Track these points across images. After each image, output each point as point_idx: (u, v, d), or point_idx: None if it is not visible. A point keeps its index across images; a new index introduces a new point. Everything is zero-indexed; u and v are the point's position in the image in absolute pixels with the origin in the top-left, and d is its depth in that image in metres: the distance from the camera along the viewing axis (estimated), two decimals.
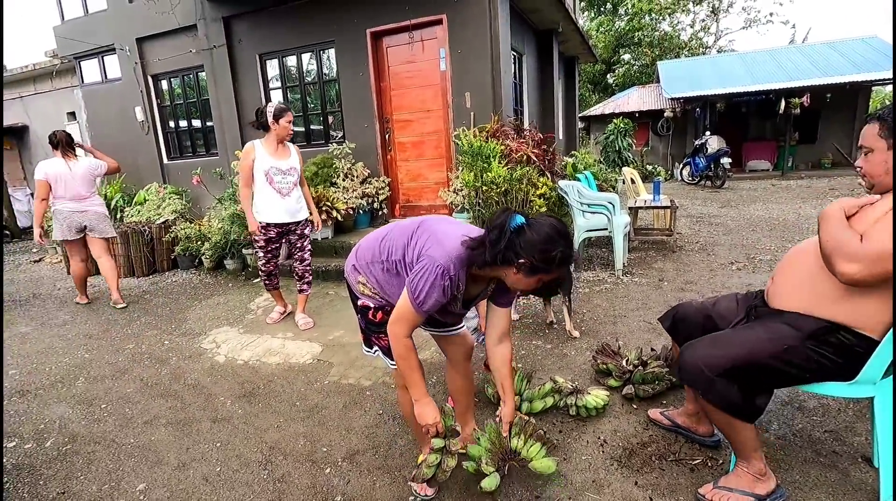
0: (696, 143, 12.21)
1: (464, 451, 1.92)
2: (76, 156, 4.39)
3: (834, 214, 1.51)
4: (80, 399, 2.81)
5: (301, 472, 2.04)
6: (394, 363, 1.74)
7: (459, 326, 1.94)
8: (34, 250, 7.94)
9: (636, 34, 22.47)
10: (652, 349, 2.70)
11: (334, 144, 6.11)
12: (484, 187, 4.61)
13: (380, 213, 5.92)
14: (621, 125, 13.51)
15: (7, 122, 10.07)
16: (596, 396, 2.26)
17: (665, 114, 14.48)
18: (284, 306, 3.91)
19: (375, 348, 1.83)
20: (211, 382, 2.92)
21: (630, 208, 5.54)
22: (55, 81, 9.35)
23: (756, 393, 1.57)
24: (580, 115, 15.30)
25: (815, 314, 1.54)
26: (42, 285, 5.68)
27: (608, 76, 24.24)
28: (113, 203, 7.03)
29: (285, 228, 3.60)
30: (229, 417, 2.51)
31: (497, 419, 1.75)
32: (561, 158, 6.74)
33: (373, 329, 1.77)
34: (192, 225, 5.70)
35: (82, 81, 8.15)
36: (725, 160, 10.77)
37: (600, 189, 6.37)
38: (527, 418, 1.77)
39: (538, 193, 4.58)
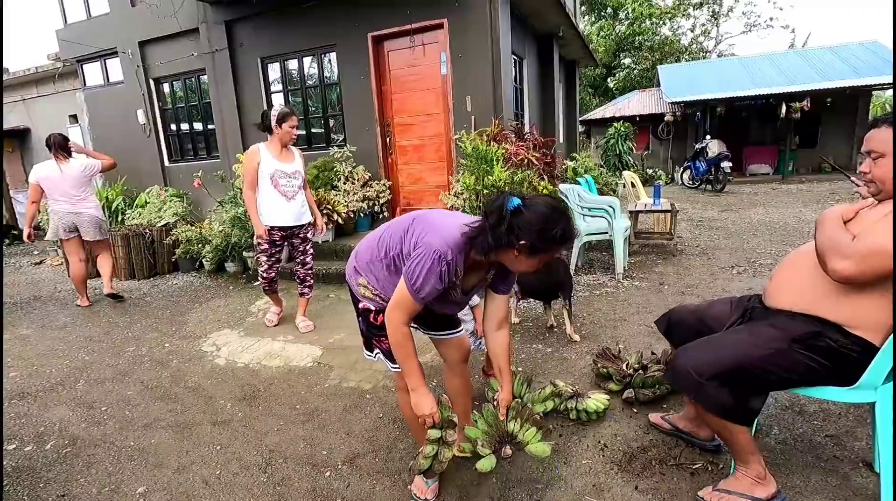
0: (697, 147, 12.22)
1: (465, 454, 1.91)
2: (68, 158, 4.45)
3: (831, 217, 1.52)
4: (81, 402, 2.81)
5: (301, 476, 2.03)
6: (395, 366, 1.74)
7: (458, 330, 1.94)
8: (35, 253, 7.95)
9: (637, 38, 22.51)
10: (652, 353, 2.70)
11: (335, 147, 6.13)
12: (485, 191, 4.62)
13: (380, 216, 5.93)
14: (622, 129, 13.54)
15: (9, 125, 10.09)
16: (596, 400, 2.26)
17: (665, 118, 14.50)
18: (280, 306, 3.92)
19: (376, 351, 1.83)
20: (211, 385, 2.93)
21: (630, 212, 5.54)
22: (57, 84, 9.37)
23: (749, 396, 1.58)
24: (581, 118, 15.33)
25: (811, 312, 1.54)
26: (43, 288, 5.68)
27: (609, 80, 24.27)
28: (114, 206, 7.04)
29: (289, 231, 3.58)
30: (229, 420, 2.51)
31: (495, 402, 1.75)
32: (562, 162, 6.76)
33: (374, 332, 1.78)
34: (193, 228, 5.71)
35: (84, 84, 8.18)
36: (726, 164, 10.78)
37: (601, 193, 6.38)
38: (523, 402, 1.76)
39: None
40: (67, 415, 2.67)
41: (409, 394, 1.67)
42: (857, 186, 1.59)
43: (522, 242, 1.41)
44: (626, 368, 2.51)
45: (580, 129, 14.21)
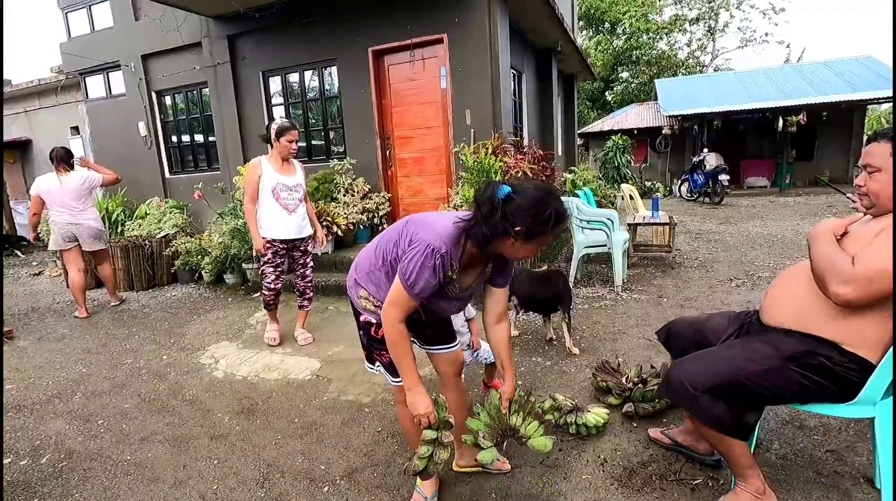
0: (694, 160, 12.32)
1: (468, 468, 1.90)
2: (69, 171, 4.57)
3: (822, 234, 1.52)
4: (77, 415, 2.79)
5: (299, 490, 2.02)
6: (396, 379, 1.73)
7: (453, 345, 1.94)
8: (34, 264, 7.94)
9: (634, 53, 22.78)
10: (652, 367, 2.69)
11: (335, 159, 6.17)
12: None
13: (380, 228, 5.95)
14: (620, 142, 13.65)
15: (11, 136, 10.15)
16: (596, 414, 2.25)
17: (663, 131, 14.62)
18: (278, 323, 3.79)
19: (378, 364, 1.83)
20: (209, 398, 2.91)
21: (629, 225, 5.56)
22: (60, 96, 9.45)
23: (743, 410, 1.58)
24: (579, 131, 15.44)
25: (806, 329, 1.55)
26: (41, 299, 5.67)
27: (607, 93, 24.51)
28: (114, 217, 7.06)
29: (291, 244, 3.57)
30: (227, 433, 2.50)
31: (498, 396, 1.75)
32: (560, 175, 6.81)
33: (375, 345, 1.77)
34: (193, 239, 5.72)
35: (87, 97, 8.24)
36: (723, 177, 10.85)
37: (599, 205, 6.41)
38: (526, 396, 1.76)
39: None
40: (64, 428, 2.65)
41: (408, 408, 1.66)
42: (853, 202, 1.60)
43: (518, 228, 1.41)
44: (626, 381, 2.50)
45: (579, 142, 14.31)
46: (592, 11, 23.32)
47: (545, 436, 1.68)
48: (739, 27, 25.11)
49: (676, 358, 1.82)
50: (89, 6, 7.70)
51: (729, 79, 15.86)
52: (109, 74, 7.87)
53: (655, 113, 15.97)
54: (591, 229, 4.61)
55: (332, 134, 6.50)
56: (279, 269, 3.57)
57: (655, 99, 16.17)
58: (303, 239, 3.62)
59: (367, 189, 5.91)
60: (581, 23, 23.65)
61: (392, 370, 1.71)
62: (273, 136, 3.40)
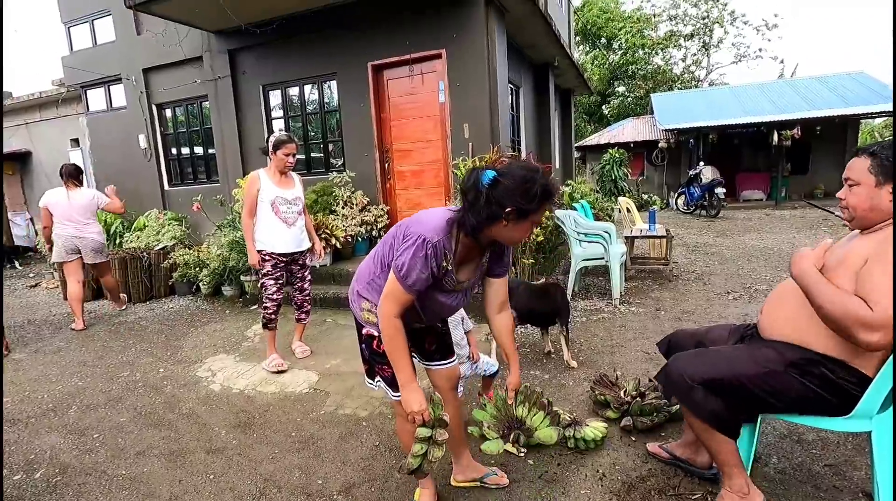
0: (691, 173, 12.42)
1: (466, 483, 1.89)
2: (77, 186, 4.78)
3: (812, 274, 1.49)
4: (72, 429, 2.77)
5: None
6: (396, 394, 1.72)
7: (451, 360, 1.94)
8: (31, 275, 7.92)
9: (630, 67, 23.09)
10: (650, 380, 2.69)
11: (334, 172, 6.20)
12: None
13: (378, 241, 5.95)
14: (616, 155, 13.76)
15: (11, 148, 10.19)
16: (594, 428, 2.24)
17: (659, 144, 14.75)
18: (276, 351, 3.51)
19: (378, 378, 1.83)
20: (206, 411, 2.89)
21: (626, 238, 5.59)
22: (60, 109, 9.52)
23: (737, 409, 1.60)
24: (576, 145, 15.58)
25: (808, 346, 1.56)
26: (37, 311, 5.64)
27: (603, 107, 24.79)
28: (112, 229, 7.06)
29: (290, 257, 3.52)
30: (223, 447, 2.48)
31: (504, 388, 1.75)
32: (557, 188, 6.84)
33: (377, 359, 1.77)
34: (191, 251, 5.72)
35: (88, 109, 8.30)
36: (719, 190, 10.94)
37: (597, 218, 6.44)
38: (532, 387, 1.76)
39: None
40: (59, 442, 2.62)
41: (407, 421, 1.66)
42: (844, 218, 1.63)
43: (508, 209, 1.43)
44: (624, 395, 2.50)
45: (576, 155, 14.42)
46: (589, 27, 23.69)
47: (551, 427, 1.68)
48: (733, 43, 25.56)
49: None
50: (92, 21, 7.79)
51: (724, 93, 16.06)
52: (110, 87, 7.94)
53: (652, 127, 16.13)
54: (588, 241, 4.63)
55: (331, 147, 6.55)
56: (280, 282, 3.52)
57: (651, 113, 16.34)
58: (302, 252, 3.59)
59: (365, 202, 5.93)
60: (578, 38, 24.01)
61: (393, 384, 1.70)
62: (270, 149, 3.38)
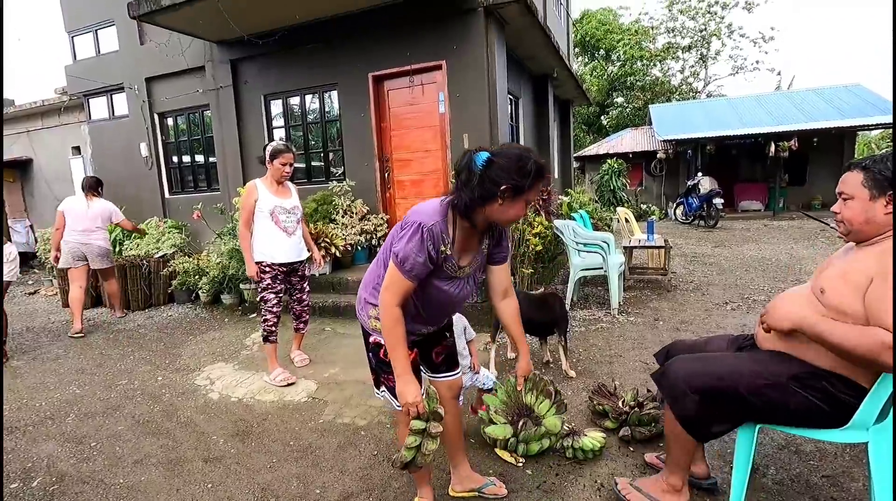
0: (689, 183, 12.49)
1: (464, 493, 1.89)
2: (97, 197, 5.13)
3: (814, 321, 1.49)
4: (70, 437, 2.76)
5: None
6: (400, 404, 1.73)
7: (456, 372, 1.96)
8: (29, 283, 7.92)
9: (628, 79, 23.30)
10: (648, 390, 2.70)
11: (334, 181, 6.24)
12: None
13: (377, 249, 5.97)
14: (615, 166, 13.84)
15: (12, 155, 10.23)
16: (592, 438, 2.25)
17: (658, 155, 14.85)
18: (277, 364, 3.45)
19: (383, 388, 1.82)
20: (204, 420, 2.89)
21: (625, 248, 5.61)
22: (62, 117, 9.56)
23: (722, 419, 1.63)
24: (575, 155, 15.66)
25: (805, 360, 1.57)
26: (36, 318, 5.64)
27: (602, 118, 24.96)
28: (112, 236, 7.07)
29: (290, 267, 3.47)
30: (222, 456, 2.47)
31: (513, 374, 1.77)
32: (556, 198, 6.89)
33: (382, 369, 1.77)
34: (191, 259, 5.73)
35: (90, 118, 8.35)
36: (718, 201, 10.99)
37: (596, 228, 6.47)
38: (539, 374, 1.78)
39: (534, 232, 4.66)
40: (56, 451, 2.62)
41: (406, 430, 1.66)
42: (838, 230, 1.65)
43: (504, 187, 1.47)
44: (622, 405, 2.50)
45: (575, 165, 14.50)
46: (588, 39, 23.93)
47: (556, 416, 1.71)
48: (731, 55, 25.83)
49: None
50: (95, 30, 7.86)
51: (721, 105, 16.19)
52: (113, 95, 7.99)
53: (650, 137, 16.24)
54: (587, 251, 4.65)
55: (331, 156, 6.59)
56: (280, 295, 3.45)
57: (650, 124, 16.47)
58: (301, 262, 3.55)
59: (365, 211, 5.96)
60: (577, 50, 24.25)
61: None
62: (267, 158, 3.34)
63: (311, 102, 6.57)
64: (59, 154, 9.61)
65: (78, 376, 3.72)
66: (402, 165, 6.09)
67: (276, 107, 6.75)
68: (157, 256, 5.96)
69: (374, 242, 5.87)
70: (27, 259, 9.57)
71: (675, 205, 13.15)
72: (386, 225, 5.99)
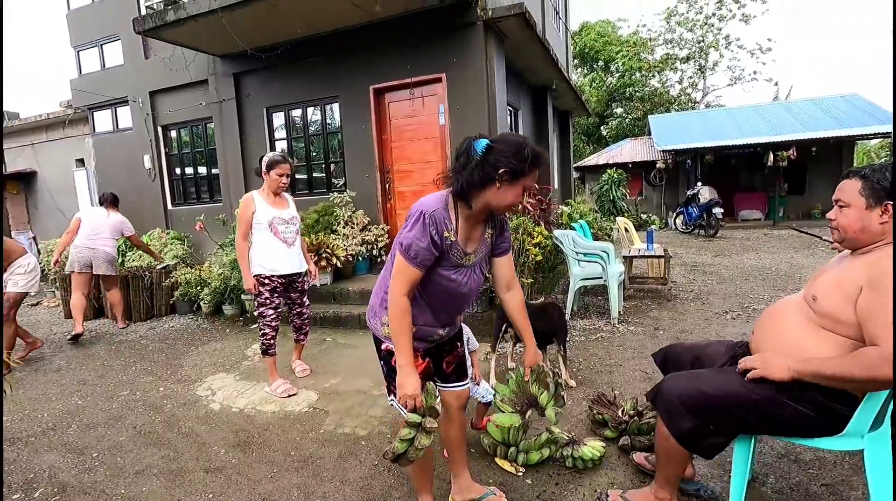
0: (689, 193, 12.54)
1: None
2: (114, 210, 5.43)
3: (806, 365, 1.51)
4: (72, 448, 2.77)
5: None
6: (398, 395, 1.72)
7: (465, 382, 1.97)
8: (32, 293, 7.93)
9: (627, 90, 23.51)
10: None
11: (336, 192, 6.29)
12: None
13: (378, 260, 6.01)
14: (615, 176, 13.91)
15: (16, 168, 10.33)
16: (592, 447, 2.25)
17: (657, 165, 14.93)
18: (277, 375, 3.45)
19: (393, 396, 1.82)
20: (205, 430, 2.90)
21: (624, 257, 5.63)
22: (67, 130, 9.67)
23: (714, 435, 1.64)
24: (575, 165, 15.74)
25: None
26: (38, 329, 5.65)
27: (602, 128, 25.13)
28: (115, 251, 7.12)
29: (289, 279, 3.43)
30: (223, 467, 2.48)
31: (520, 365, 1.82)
32: (556, 208, 6.93)
33: (393, 377, 1.75)
34: (193, 270, 5.76)
35: (94, 130, 8.45)
36: (717, 210, 11.03)
37: (596, 238, 6.50)
38: (543, 365, 1.82)
39: (534, 242, 4.69)
40: (58, 461, 2.63)
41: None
42: (832, 242, 1.67)
43: (502, 170, 1.53)
44: (622, 414, 2.51)
45: (575, 175, 14.58)
46: (587, 51, 24.19)
47: (552, 408, 1.75)
48: (729, 66, 25.99)
49: None
50: (101, 45, 7.99)
51: (720, 115, 16.31)
52: (117, 108, 8.11)
53: (649, 147, 16.33)
54: (587, 261, 4.67)
55: (332, 167, 6.65)
56: (279, 309, 3.40)
57: (649, 134, 16.57)
58: (300, 274, 3.50)
59: (366, 221, 6.00)
60: (576, 61, 24.49)
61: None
62: (264, 169, 3.30)
63: (313, 115, 6.65)
64: (62, 166, 9.70)
65: (80, 386, 3.74)
66: (403, 176, 6.14)
67: (279, 119, 6.83)
68: (159, 267, 6.00)
69: (374, 252, 5.91)
70: None
71: (675, 214, 13.20)
72: (387, 235, 6.04)
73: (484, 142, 1.56)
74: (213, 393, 3.45)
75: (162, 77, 7.33)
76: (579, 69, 25.30)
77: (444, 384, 1.94)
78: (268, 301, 3.33)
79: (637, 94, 23.38)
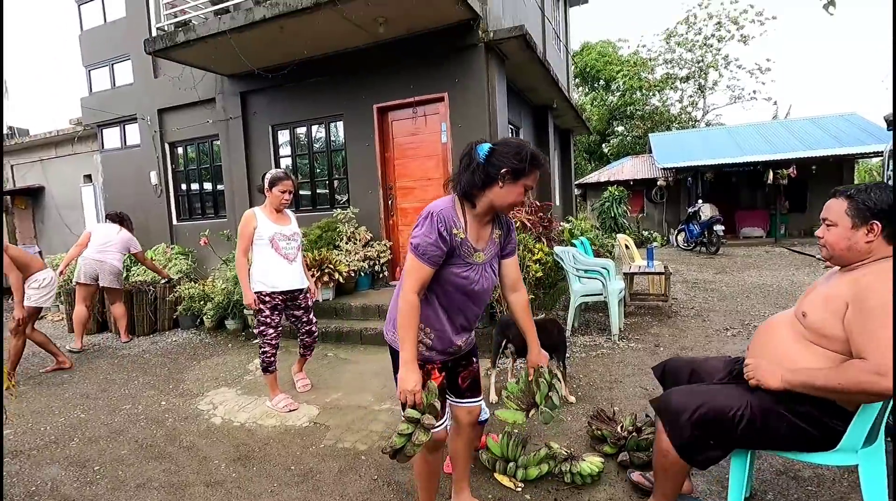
0: (690, 210, 12.60)
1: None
2: (125, 228, 5.56)
3: (797, 375, 1.54)
4: (74, 461, 2.79)
5: None
6: (398, 390, 1.73)
7: (480, 398, 2.00)
8: (47, 308, 7.97)
9: (628, 108, 23.75)
10: (647, 416, 2.71)
11: (339, 208, 6.36)
12: None
13: (380, 276, 6.06)
14: (616, 193, 13.99)
15: (25, 183, 10.49)
16: (591, 463, 2.26)
17: (658, 183, 15.02)
18: (278, 390, 3.46)
19: None
20: (206, 444, 2.91)
21: (625, 274, 5.66)
22: (76, 146, 9.84)
23: (712, 447, 1.66)
24: (577, 182, 15.87)
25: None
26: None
27: (603, 146, 25.32)
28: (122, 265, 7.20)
29: (291, 295, 3.43)
30: (223, 480, 2.49)
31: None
32: (558, 224, 6.99)
33: None
34: (196, 285, 5.81)
35: (102, 147, 8.60)
36: (718, 227, 11.07)
37: (597, 255, 6.54)
38: (543, 367, 1.89)
39: (535, 258, 4.73)
40: (60, 475, 2.64)
41: (430, 453, 1.76)
42: (824, 260, 1.72)
43: (504, 170, 1.62)
44: (621, 430, 2.52)
45: (576, 192, 14.68)
46: (588, 70, 24.52)
47: (546, 410, 1.81)
48: (728, 85, 26.26)
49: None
50: (112, 65, 8.19)
51: (720, 133, 16.46)
52: (126, 126, 8.26)
53: (650, 165, 16.46)
54: (587, 277, 4.70)
55: (336, 184, 6.75)
56: (280, 327, 3.40)
57: (650, 152, 16.70)
58: (301, 290, 3.49)
59: (368, 237, 6.07)
60: (577, 80, 24.82)
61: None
62: (266, 186, 3.33)
63: (318, 132, 6.77)
64: (70, 182, 9.84)
65: (82, 400, 3.76)
66: (406, 193, 6.22)
67: (284, 136, 6.95)
68: (162, 281, 6.06)
69: (377, 268, 5.95)
70: None
71: (676, 232, 13.24)
72: (389, 251, 6.09)
73: (486, 145, 1.66)
74: (215, 407, 3.47)
75: (171, 96, 7.49)
76: (580, 88, 25.62)
77: (457, 400, 1.95)
78: (269, 319, 3.32)
79: (638, 112, 23.61)
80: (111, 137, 8.50)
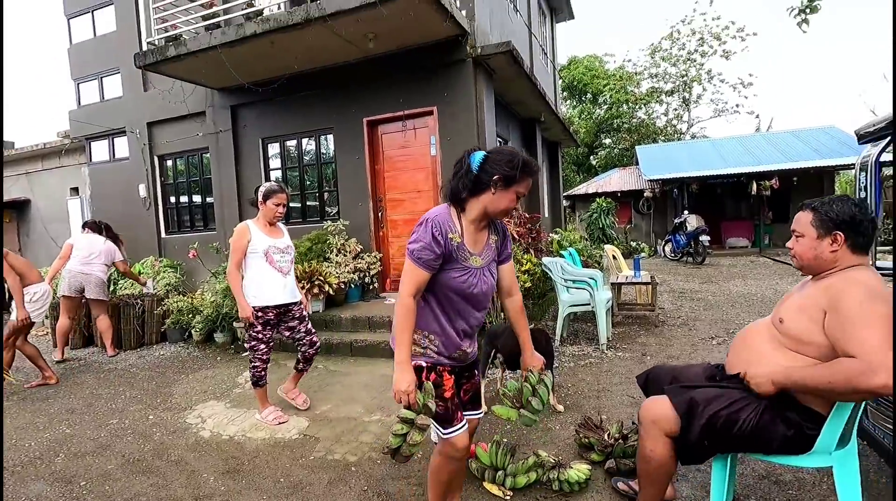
0: (676, 221, 12.80)
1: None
2: (107, 238, 5.56)
3: (789, 374, 1.59)
4: (59, 477, 2.75)
5: None
6: (446, 431, 1.76)
7: (481, 411, 2.04)
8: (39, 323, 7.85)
9: (615, 121, 24.16)
10: (633, 423, 2.75)
11: (329, 220, 6.39)
12: None
13: (371, 287, 6.07)
14: (604, 204, 14.18)
15: (10, 196, 10.37)
16: (578, 470, 2.30)
17: (645, 194, 15.25)
18: (268, 403, 3.44)
19: None
20: (195, 458, 2.89)
21: (612, 284, 5.74)
22: (63, 159, 9.78)
23: (709, 449, 1.70)
24: (565, 194, 16.06)
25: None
26: (26, 359, 5.59)
27: (591, 158, 25.67)
28: (108, 276, 7.13)
29: (285, 308, 3.39)
30: (212, 494, 2.48)
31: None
32: (546, 236, 7.07)
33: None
34: (185, 298, 5.78)
35: (90, 160, 8.56)
36: (704, 238, 11.26)
37: (585, 265, 6.62)
38: (532, 371, 1.94)
39: (523, 269, 4.79)
40: (45, 491, 2.61)
41: (451, 461, 1.78)
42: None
43: (496, 177, 1.68)
44: (608, 438, 2.56)
45: (565, 203, 14.85)
46: (575, 84, 24.94)
47: (527, 414, 1.87)
48: (712, 99, 26.82)
49: None
50: (101, 78, 8.19)
51: (705, 146, 16.79)
52: (114, 138, 8.25)
53: (637, 177, 16.70)
54: (575, 288, 4.77)
55: (326, 196, 6.78)
56: (272, 342, 3.37)
57: (637, 163, 16.97)
58: (296, 304, 3.47)
59: (358, 249, 6.09)
60: (565, 93, 25.21)
61: (443, 420, 1.75)
62: (260, 198, 3.32)
63: (308, 145, 6.82)
64: (56, 195, 9.77)
65: (68, 415, 3.71)
66: (395, 205, 6.27)
67: (274, 149, 6.99)
68: (144, 290, 6.04)
69: (367, 280, 5.97)
70: None
71: (663, 242, 13.42)
72: (379, 263, 6.12)
73: (481, 153, 1.73)
74: (204, 421, 3.45)
75: (160, 109, 7.51)
76: (568, 101, 26.02)
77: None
78: (261, 334, 3.30)
79: (624, 125, 24.02)
80: (99, 149, 8.47)
